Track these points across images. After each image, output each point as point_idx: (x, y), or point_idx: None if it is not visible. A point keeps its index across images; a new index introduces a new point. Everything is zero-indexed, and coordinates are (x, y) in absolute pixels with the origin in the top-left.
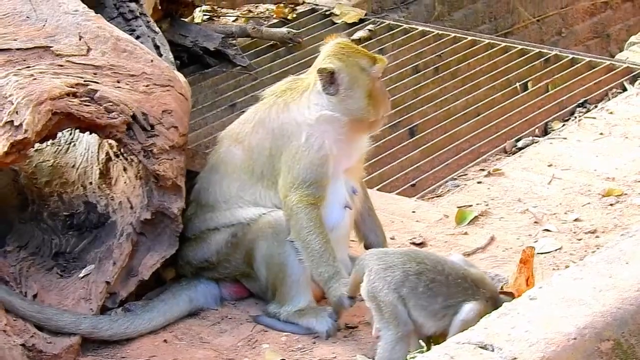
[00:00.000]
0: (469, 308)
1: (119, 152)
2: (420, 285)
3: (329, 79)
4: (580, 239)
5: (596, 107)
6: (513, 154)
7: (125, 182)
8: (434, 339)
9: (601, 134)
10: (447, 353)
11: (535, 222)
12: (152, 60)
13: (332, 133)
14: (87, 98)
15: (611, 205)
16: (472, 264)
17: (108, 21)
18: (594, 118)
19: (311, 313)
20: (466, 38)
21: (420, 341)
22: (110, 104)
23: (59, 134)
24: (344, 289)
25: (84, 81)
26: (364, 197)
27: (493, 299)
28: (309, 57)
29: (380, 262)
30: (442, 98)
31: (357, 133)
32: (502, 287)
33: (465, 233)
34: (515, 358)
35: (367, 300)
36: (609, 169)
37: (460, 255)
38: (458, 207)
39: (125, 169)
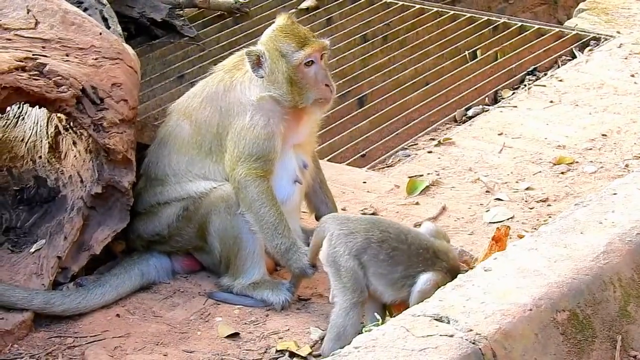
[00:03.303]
0: (425, 278)
1: (68, 126)
2: (381, 253)
3: (257, 61)
4: (532, 208)
5: (546, 74)
6: (463, 123)
7: (75, 156)
8: (388, 308)
9: (551, 101)
10: (403, 326)
11: (487, 191)
12: (100, 33)
13: (277, 112)
14: (36, 72)
15: (562, 173)
16: (444, 232)
17: None
18: (544, 86)
19: (266, 285)
20: (414, 6)
21: (376, 314)
22: (60, 77)
23: (7, 108)
24: (304, 259)
25: (33, 55)
26: (315, 169)
27: (454, 272)
28: (256, 27)
29: (342, 227)
30: (391, 67)
31: (298, 115)
32: (469, 264)
33: (417, 203)
34: (471, 330)
35: (327, 264)
36: (560, 137)
37: (431, 224)
38: (409, 177)
39: (74, 143)
